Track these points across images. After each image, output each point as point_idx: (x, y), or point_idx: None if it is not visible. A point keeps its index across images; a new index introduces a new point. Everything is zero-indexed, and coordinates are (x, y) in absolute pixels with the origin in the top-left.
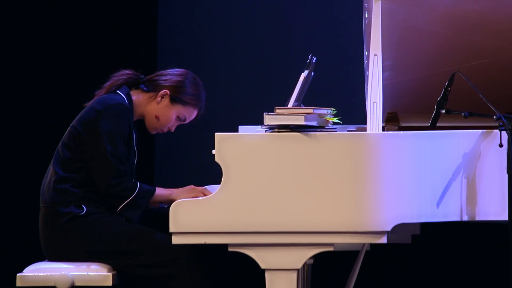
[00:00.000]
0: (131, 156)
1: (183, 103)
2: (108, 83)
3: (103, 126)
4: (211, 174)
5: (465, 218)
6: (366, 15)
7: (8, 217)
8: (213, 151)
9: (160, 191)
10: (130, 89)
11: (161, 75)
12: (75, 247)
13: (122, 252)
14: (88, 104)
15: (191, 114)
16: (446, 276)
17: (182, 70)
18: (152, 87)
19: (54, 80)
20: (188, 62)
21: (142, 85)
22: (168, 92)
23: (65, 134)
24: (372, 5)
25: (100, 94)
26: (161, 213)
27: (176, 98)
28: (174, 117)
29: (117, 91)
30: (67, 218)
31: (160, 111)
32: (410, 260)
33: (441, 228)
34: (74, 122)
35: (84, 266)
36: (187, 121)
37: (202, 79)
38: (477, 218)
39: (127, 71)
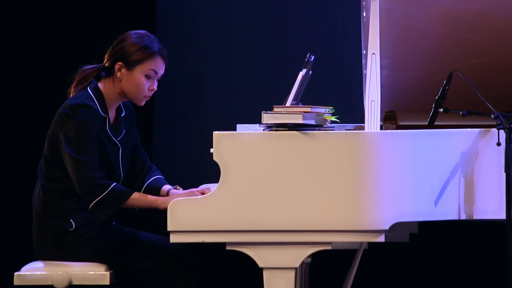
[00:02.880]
0: (109, 147)
1: (138, 62)
2: (74, 83)
3: (66, 127)
4: (209, 172)
5: (463, 217)
6: (364, 14)
7: (6, 215)
8: (211, 150)
9: (139, 196)
10: (98, 80)
11: (108, 53)
12: (68, 258)
13: (116, 264)
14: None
15: (154, 65)
16: (444, 275)
17: (121, 36)
18: (108, 69)
19: (52, 80)
20: (186, 61)
21: (103, 73)
22: (120, 63)
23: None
24: (370, 3)
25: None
26: (159, 213)
27: (129, 63)
28: (142, 79)
29: (88, 87)
30: (57, 233)
31: (128, 83)
32: (408, 259)
33: (439, 227)
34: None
35: (82, 265)
36: (160, 73)
37: (201, 78)
38: (475, 217)
39: (88, 67)
